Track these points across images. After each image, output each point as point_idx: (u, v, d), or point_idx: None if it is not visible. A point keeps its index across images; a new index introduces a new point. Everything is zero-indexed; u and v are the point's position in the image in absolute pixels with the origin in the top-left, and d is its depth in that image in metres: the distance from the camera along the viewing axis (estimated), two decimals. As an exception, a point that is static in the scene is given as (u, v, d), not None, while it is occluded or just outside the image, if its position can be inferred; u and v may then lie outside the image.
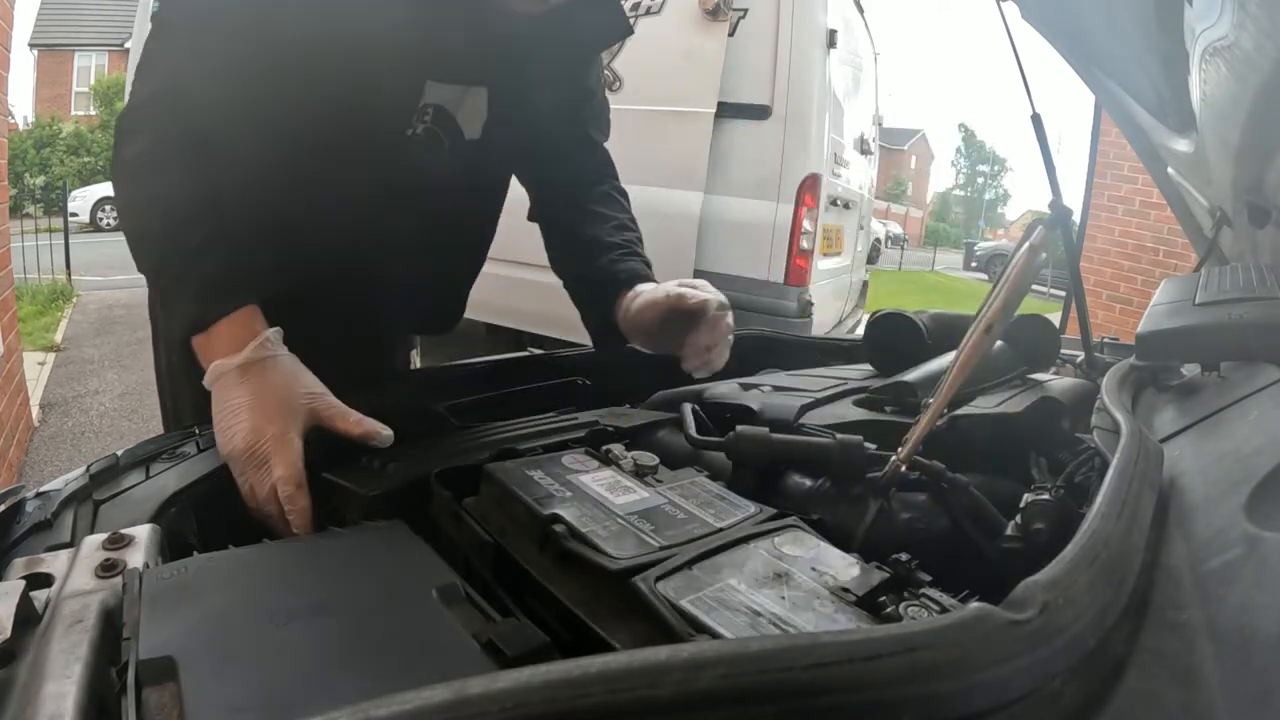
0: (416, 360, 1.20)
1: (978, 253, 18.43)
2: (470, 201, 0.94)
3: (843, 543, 0.48)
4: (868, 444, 0.56)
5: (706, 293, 0.83)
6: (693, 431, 0.65)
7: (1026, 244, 0.62)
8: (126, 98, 0.73)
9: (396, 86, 0.78)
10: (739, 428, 0.60)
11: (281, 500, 0.57)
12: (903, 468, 0.53)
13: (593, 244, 0.93)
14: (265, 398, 0.58)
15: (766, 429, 0.60)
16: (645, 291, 0.86)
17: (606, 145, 1.02)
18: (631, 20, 3.07)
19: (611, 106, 1.02)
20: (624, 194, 1.01)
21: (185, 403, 0.85)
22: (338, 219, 0.81)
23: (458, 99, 0.84)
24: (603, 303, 0.90)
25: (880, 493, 0.54)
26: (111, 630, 0.39)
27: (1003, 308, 0.58)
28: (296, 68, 0.70)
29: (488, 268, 1.02)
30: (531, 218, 1.02)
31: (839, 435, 0.57)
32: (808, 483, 0.57)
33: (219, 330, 0.62)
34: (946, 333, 0.88)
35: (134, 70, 0.72)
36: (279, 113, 0.72)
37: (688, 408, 0.69)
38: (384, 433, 0.61)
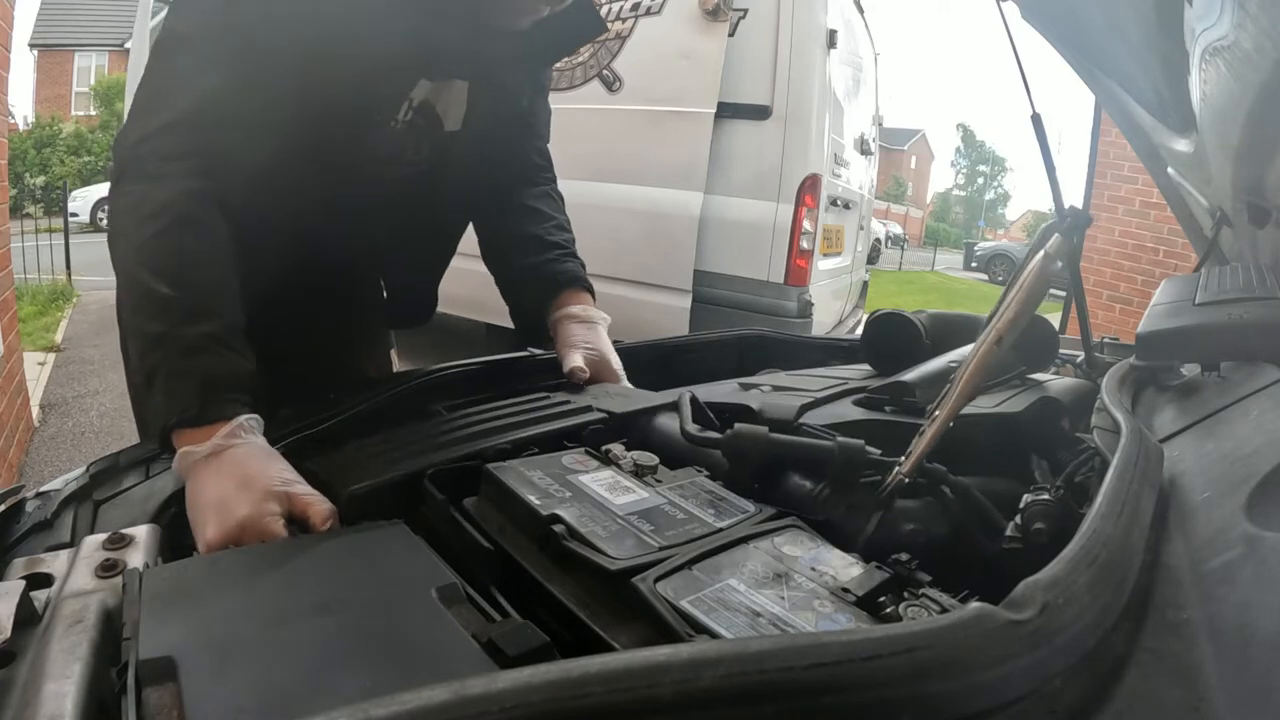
0: (395, 361, 1.18)
1: (978, 253, 18.39)
2: (444, 191, 0.96)
3: (843, 546, 0.47)
4: (869, 448, 0.55)
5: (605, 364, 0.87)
6: (689, 425, 0.63)
7: (1041, 252, 0.58)
8: (128, 106, 0.68)
9: (390, 88, 0.79)
10: (737, 425, 0.59)
11: None
12: (905, 479, 0.52)
13: (532, 240, 0.97)
14: (237, 485, 0.53)
15: (765, 428, 0.59)
16: (564, 334, 0.90)
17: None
18: (631, 20, 3.11)
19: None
20: (561, 196, 1.05)
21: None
22: (318, 216, 0.82)
23: (438, 90, 0.86)
24: (539, 299, 0.95)
25: (882, 503, 0.53)
26: (111, 630, 0.39)
27: (1014, 320, 0.55)
28: (297, 74, 0.69)
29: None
30: None
31: (839, 438, 0.56)
32: (807, 485, 0.56)
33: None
34: (945, 332, 0.88)
35: (138, 80, 0.68)
36: (280, 120, 0.70)
37: (685, 398, 0.68)
38: None
